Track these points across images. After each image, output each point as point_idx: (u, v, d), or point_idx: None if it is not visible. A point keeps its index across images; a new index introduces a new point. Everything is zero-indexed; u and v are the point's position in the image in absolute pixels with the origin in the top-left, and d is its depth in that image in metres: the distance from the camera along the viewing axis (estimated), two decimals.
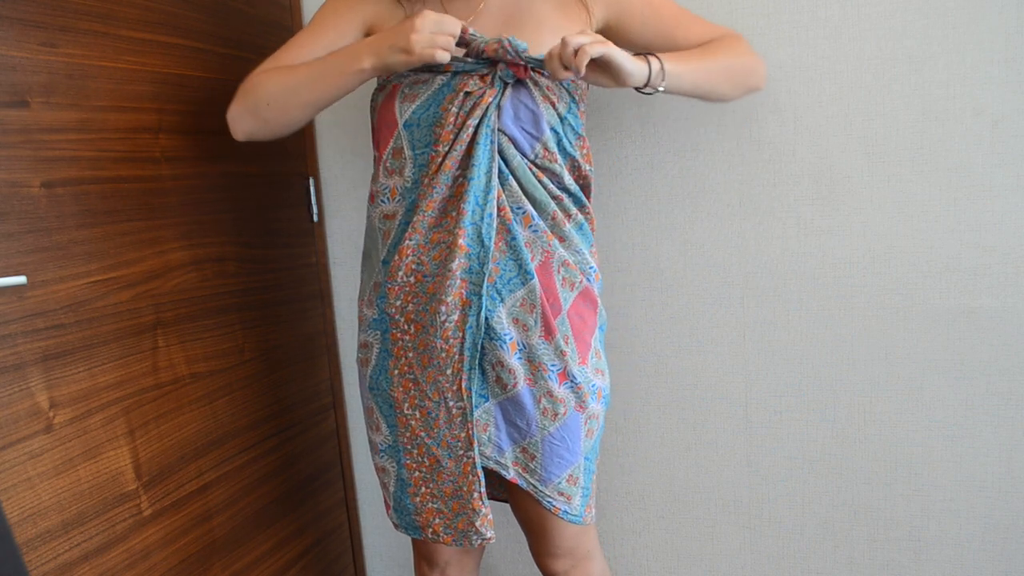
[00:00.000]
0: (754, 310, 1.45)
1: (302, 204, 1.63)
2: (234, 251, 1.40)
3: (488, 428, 1.15)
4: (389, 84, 1.16)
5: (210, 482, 1.33)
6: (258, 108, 1.16)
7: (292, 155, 1.60)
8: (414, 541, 1.33)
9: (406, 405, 1.16)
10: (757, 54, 1.26)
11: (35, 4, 1.03)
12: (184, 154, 1.28)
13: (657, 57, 1.10)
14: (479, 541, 1.16)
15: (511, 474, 1.16)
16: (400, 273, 1.13)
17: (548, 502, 1.17)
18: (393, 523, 1.25)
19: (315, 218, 1.66)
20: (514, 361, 1.13)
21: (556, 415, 1.15)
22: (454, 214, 1.10)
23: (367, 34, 1.20)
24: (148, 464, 1.19)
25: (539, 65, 1.09)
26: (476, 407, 1.13)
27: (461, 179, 1.10)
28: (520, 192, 1.13)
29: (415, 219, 1.12)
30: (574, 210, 1.18)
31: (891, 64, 1.31)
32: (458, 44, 1.08)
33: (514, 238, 1.11)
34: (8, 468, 0.97)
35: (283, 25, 1.55)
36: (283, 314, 1.55)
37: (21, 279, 0.98)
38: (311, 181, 1.65)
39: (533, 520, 1.22)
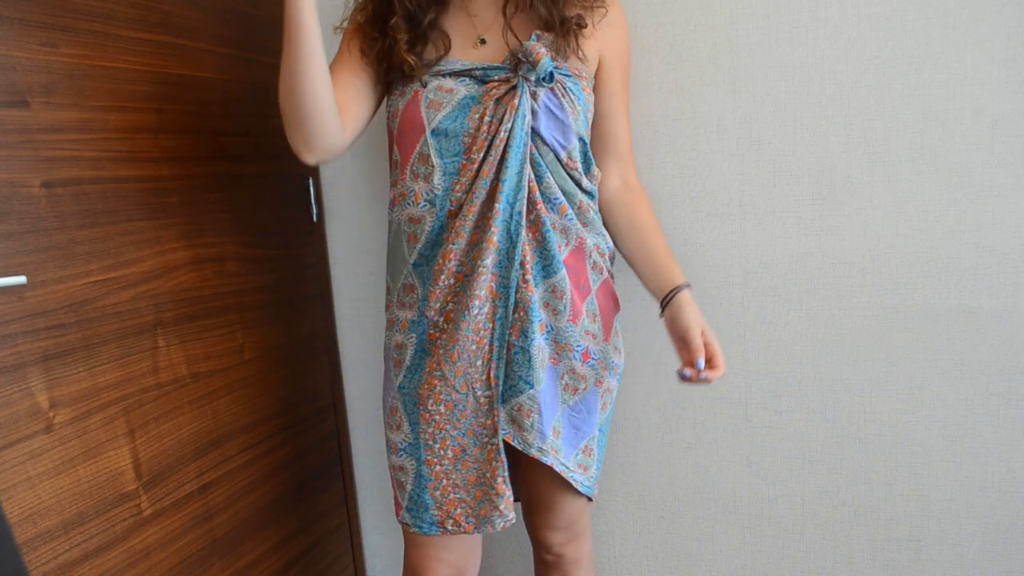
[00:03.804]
0: (754, 310, 1.45)
1: (302, 204, 1.63)
2: (234, 251, 1.40)
3: (531, 414, 1.19)
4: (410, 90, 1.18)
5: (210, 482, 1.33)
6: (289, 115, 1.13)
7: (292, 155, 1.59)
8: (409, 560, 1.31)
9: (430, 401, 1.19)
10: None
11: (35, 4, 1.03)
12: (184, 154, 1.28)
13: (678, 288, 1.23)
14: (502, 523, 1.20)
15: (549, 459, 1.20)
16: (443, 276, 1.17)
17: (571, 476, 1.22)
18: (404, 523, 1.25)
19: (315, 218, 1.66)
20: (540, 340, 1.19)
21: (576, 390, 1.22)
22: (489, 214, 1.15)
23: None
24: (148, 464, 1.19)
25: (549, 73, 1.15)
26: (520, 393, 1.18)
27: (496, 181, 1.15)
28: (555, 186, 1.19)
29: (457, 223, 1.16)
30: (592, 201, 1.26)
31: (891, 64, 1.31)
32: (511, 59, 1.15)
33: (547, 230, 1.17)
34: (8, 468, 0.97)
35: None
36: (283, 314, 1.55)
37: (21, 279, 0.98)
38: (311, 181, 1.65)
39: (543, 493, 1.28)
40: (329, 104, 1.12)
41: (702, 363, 1.16)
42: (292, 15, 1.06)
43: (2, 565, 0.74)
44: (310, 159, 1.17)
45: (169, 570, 1.23)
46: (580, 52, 1.18)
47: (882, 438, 1.43)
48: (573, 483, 1.23)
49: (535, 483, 1.28)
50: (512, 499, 1.20)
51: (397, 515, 1.27)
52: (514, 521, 1.21)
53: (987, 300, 1.33)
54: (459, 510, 1.21)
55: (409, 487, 1.23)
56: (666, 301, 1.22)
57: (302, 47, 1.07)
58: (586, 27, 1.18)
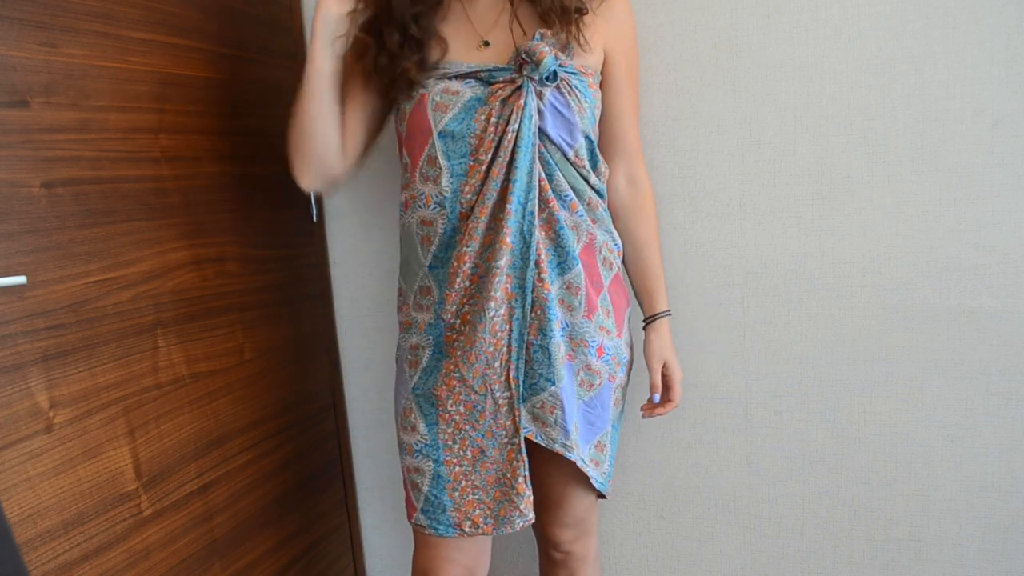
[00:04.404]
0: (754, 310, 1.45)
1: (302, 204, 1.63)
2: (234, 251, 1.40)
3: (554, 411, 1.19)
4: (417, 93, 1.19)
5: (210, 482, 1.33)
6: (296, 147, 1.24)
7: None
8: (418, 562, 1.30)
9: (449, 402, 1.20)
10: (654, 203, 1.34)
11: (35, 4, 1.03)
12: (184, 154, 1.28)
13: (659, 315, 1.33)
14: (522, 523, 1.20)
15: (573, 455, 1.21)
16: (458, 279, 1.18)
17: (588, 471, 1.23)
18: (419, 525, 1.24)
19: (315, 218, 1.66)
20: (559, 337, 1.19)
21: (591, 386, 1.23)
22: (501, 216, 1.15)
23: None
24: (148, 464, 1.19)
25: (553, 73, 1.15)
26: (542, 391, 1.18)
27: (506, 182, 1.15)
28: (565, 183, 1.20)
29: (470, 225, 1.16)
30: (601, 199, 1.27)
31: (891, 64, 1.31)
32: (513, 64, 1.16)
33: (561, 227, 1.18)
34: (8, 468, 0.97)
35: (283, 25, 1.55)
36: (283, 314, 1.55)
37: (21, 279, 0.98)
38: None
39: (554, 490, 1.29)
40: (336, 141, 1.23)
41: (656, 398, 1.29)
42: (315, 67, 1.17)
43: (2, 565, 0.74)
44: (307, 184, 1.27)
45: (169, 570, 1.23)
46: (582, 38, 1.18)
47: (882, 438, 1.43)
48: (590, 479, 1.24)
49: (545, 480, 1.28)
50: (532, 499, 1.20)
51: (410, 518, 1.26)
52: (533, 520, 1.20)
53: (987, 300, 1.33)
54: (478, 511, 1.21)
55: (425, 488, 1.23)
56: (646, 323, 1.33)
57: (322, 94, 1.19)
58: (587, 13, 1.18)
